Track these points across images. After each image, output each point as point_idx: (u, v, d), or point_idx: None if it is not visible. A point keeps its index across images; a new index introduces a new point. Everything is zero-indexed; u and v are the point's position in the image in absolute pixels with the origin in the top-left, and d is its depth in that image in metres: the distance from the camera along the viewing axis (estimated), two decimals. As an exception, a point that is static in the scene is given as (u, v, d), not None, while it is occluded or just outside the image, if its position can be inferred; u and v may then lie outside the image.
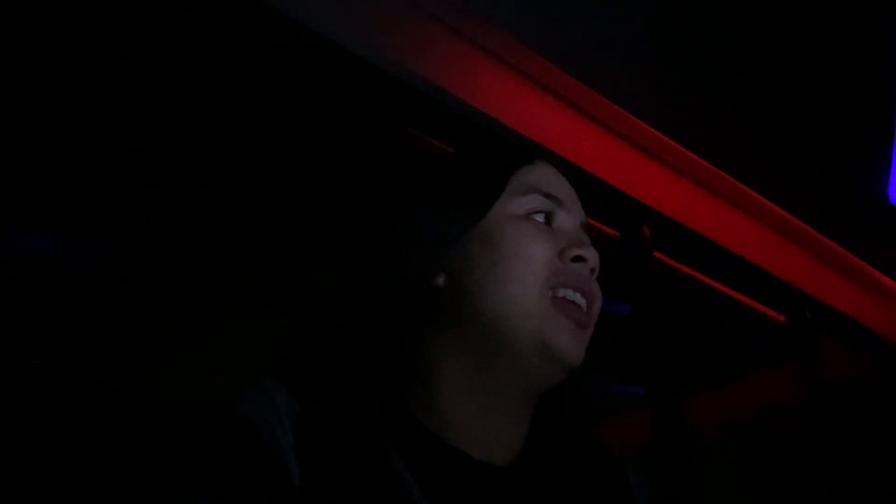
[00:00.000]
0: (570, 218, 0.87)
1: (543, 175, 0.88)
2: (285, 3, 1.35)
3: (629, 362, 1.97)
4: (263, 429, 0.74)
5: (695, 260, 2.27)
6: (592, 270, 0.85)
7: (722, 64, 1.88)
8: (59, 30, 1.17)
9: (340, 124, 1.51)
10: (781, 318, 2.58)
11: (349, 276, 0.86)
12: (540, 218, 0.86)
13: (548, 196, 0.86)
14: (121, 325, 1.16)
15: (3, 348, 1.06)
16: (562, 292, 0.82)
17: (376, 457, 0.76)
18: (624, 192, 1.97)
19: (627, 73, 1.83)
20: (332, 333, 0.83)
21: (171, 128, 1.28)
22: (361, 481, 0.74)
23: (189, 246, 1.26)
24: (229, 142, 1.34)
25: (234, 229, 1.32)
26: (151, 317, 1.19)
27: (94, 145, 1.19)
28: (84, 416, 1.08)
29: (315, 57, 1.44)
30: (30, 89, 1.14)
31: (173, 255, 1.24)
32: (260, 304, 1.30)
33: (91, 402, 1.09)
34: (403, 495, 0.75)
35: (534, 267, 0.82)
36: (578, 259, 0.83)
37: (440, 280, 0.84)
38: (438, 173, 0.91)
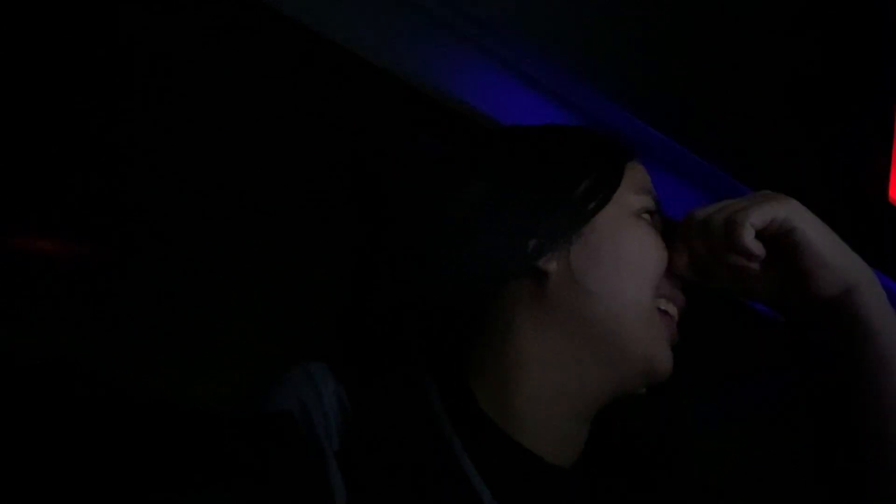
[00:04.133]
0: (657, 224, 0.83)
1: (646, 175, 0.85)
2: (289, 4, 1.35)
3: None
4: (304, 426, 0.63)
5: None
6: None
7: (722, 64, 1.88)
8: (63, 30, 1.17)
9: (344, 126, 1.51)
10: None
11: (423, 250, 0.75)
12: (648, 219, 0.81)
13: (654, 199, 0.83)
14: (122, 326, 1.16)
15: (3, 348, 1.05)
16: (663, 303, 0.80)
17: (441, 455, 0.67)
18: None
19: (627, 73, 1.83)
20: (396, 314, 0.73)
21: (174, 128, 1.27)
22: (423, 483, 0.65)
23: (193, 247, 1.26)
24: (233, 143, 1.34)
25: (237, 230, 1.31)
26: (153, 317, 1.19)
27: (97, 145, 1.18)
28: (91, 416, 1.07)
29: (320, 59, 1.43)
30: (32, 88, 1.13)
31: (177, 256, 1.23)
32: (264, 306, 1.29)
33: (96, 402, 1.09)
34: (472, 498, 0.67)
35: (654, 273, 0.78)
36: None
37: (551, 265, 0.75)
38: (548, 148, 0.81)
